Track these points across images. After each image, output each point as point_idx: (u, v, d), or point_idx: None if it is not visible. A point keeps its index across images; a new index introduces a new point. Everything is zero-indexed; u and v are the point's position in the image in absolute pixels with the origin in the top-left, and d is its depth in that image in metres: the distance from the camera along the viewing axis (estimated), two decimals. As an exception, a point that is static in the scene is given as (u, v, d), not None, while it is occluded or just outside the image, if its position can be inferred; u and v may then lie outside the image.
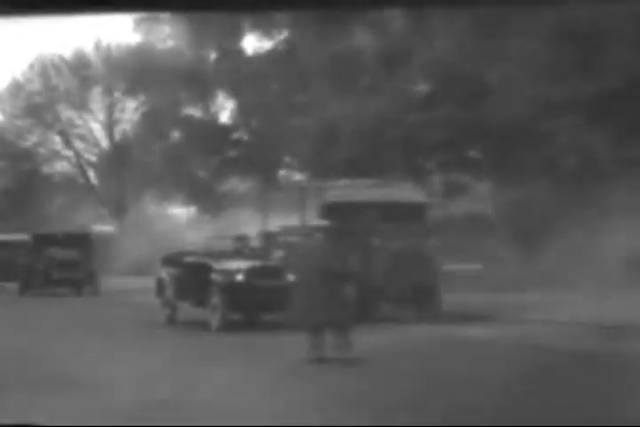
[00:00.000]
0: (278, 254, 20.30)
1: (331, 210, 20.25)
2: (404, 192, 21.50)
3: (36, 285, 31.38)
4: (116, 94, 48.10)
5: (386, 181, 22.65)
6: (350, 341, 13.22)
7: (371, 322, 18.35)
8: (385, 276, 19.95)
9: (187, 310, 19.52)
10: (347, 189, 21.44)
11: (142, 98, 43.17)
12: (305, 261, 13.56)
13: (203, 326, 18.26)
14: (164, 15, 35.84)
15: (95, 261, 32.77)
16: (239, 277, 18.13)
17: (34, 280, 31.51)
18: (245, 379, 11.79)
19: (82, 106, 48.90)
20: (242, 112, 38.10)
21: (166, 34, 38.11)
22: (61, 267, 31.13)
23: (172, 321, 19.64)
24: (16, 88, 49.14)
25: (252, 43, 50.06)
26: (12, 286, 32.70)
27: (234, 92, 37.77)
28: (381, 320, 19.25)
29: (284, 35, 35.70)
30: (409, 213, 20.74)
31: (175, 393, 10.70)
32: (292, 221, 21.49)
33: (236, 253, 19.71)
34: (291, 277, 18.13)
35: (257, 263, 18.93)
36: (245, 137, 39.28)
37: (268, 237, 21.93)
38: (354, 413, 9.55)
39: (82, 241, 33.29)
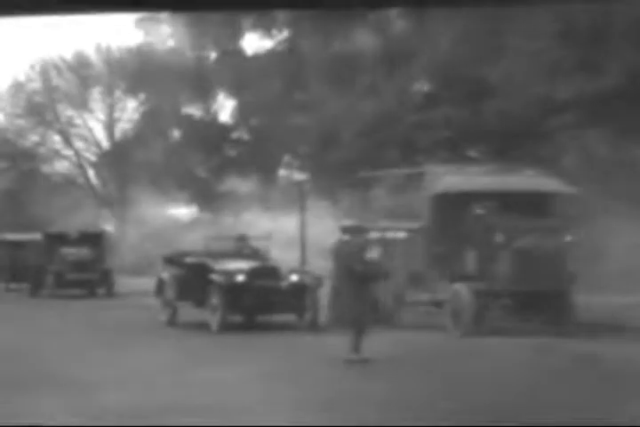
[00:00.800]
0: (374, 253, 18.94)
1: (442, 201, 17.72)
2: (532, 179, 18.39)
3: (49, 286, 30.20)
4: (117, 94, 48.12)
5: (510, 166, 19.39)
6: (361, 344, 13.19)
7: (485, 333, 16.46)
8: (508, 278, 16.95)
9: (187, 310, 19.50)
10: (462, 176, 18.41)
11: (142, 97, 43.18)
12: (338, 263, 13.54)
13: (204, 326, 18.23)
14: (165, 15, 35.85)
15: (109, 261, 31.97)
16: (239, 278, 18.10)
17: (46, 281, 30.31)
18: (246, 379, 11.79)
19: (82, 105, 48.90)
20: (242, 111, 38.11)
21: (166, 33, 38.13)
22: (75, 267, 30.09)
23: (172, 322, 19.60)
24: (17, 88, 49.15)
25: (253, 42, 50.12)
26: (20, 287, 32.16)
27: (234, 91, 37.78)
28: (499, 331, 16.86)
29: (284, 34, 35.71)
30: (539, 205, 17.88)
31: (176, 394, 10.70)
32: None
33: (237, 254, 19.70)
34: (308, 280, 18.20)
35: (257, 264, 18.91)
36: (245, 136, 39.30)
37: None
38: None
39: (95, 240, 32.08)
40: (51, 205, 45.34)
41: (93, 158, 50.05)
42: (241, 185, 40.26)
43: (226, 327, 17.72)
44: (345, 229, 13.63)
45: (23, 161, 49.08)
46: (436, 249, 17.80)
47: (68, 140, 49.69)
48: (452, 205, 17.57)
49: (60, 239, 31.65)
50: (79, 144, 49.82)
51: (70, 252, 30.86)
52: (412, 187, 18.61)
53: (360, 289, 13.18)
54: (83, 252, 30.88)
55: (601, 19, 24.05)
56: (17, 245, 34.05)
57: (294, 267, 20.21)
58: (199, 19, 34.05)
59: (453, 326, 17.03)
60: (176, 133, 40.50)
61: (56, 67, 48.61)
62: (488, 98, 26.49)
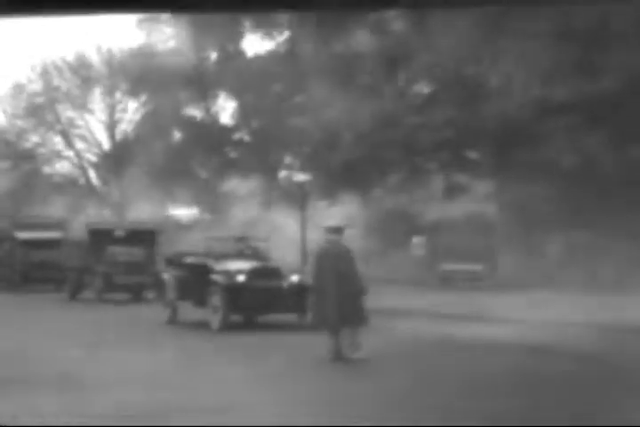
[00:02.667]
0: None
1: None
2: None
3: (96, 289, 26.90)
4: (118, 95, 48.16)
5: None
6: (359, 341, 13.25)
7: None
8: None
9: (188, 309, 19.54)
10: None
11: (143, 98, 43.23)
12: (319, 264, 13.56)
13: (204, 326, 18.27)
14: (166, 16, 35.92)
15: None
16: (240, 278, 18.13)
17: (90, 284, 27.13)
18: (246, 379, 11.82)
19: (83, 106, 48.94)
20: (243, 113, 38.17)
21: (168, 35, 38.21)
22: (126, 269, 26.76)
23: (173, 321, 19.66)
24: (18, 89, 49.20)
25: (253, 44, 50.21)
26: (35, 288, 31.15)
27: (235, 92, 37.84)
28: None
29: (284, 36, 35.77)
30: None
31: (177, 394, 10.74)
32: None
33: (237, 254, 19.73)
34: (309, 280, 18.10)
35: (258, 264, 18.94)
36: (246, 137, 39.35)
37: None
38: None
39: (147, 238, 28.53)
40: (52, 206, 45.42)
41: (94, 159, 50.09)
42: (242, 186, 40.32)
43: (226, 327, 17.76)
44: (330, 230, 13.65)
45: (24, 162, 49.09)
46: None
47: (68, 141, 49.72)
48: None
49: (108, 237, 28.16)
50: (80, 145, 49.88)
51: (120, 251, 27.52)
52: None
53: (345, 289, 13.20)
54: (134, 252, 27.60)
55: (599, 20, 24.09)
56: (39, 243, 31.94)
57: (295, 267, 20.23)
58: (200, 20, 34.10)
59: None
60: (177, 135, 40.55)
61: (57, 68, 48.65)
62: (487, 99, 26.53)
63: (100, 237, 28.23)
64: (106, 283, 26.58)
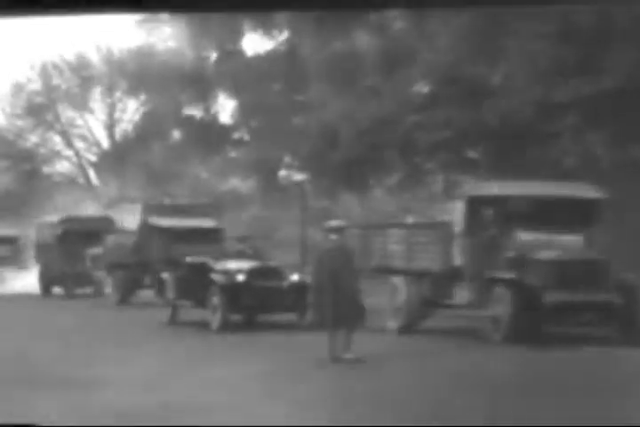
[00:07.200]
0: None
1: None
2: None
3: None
4: (117, 94, 48.17)
5: None
6: (351, 342, 13.26)
7: None
8: None
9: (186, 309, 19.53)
10: None
11: (143, 98, 43.24)
12: (319, 263, 13.56)
13: (204, 326, 18.26)
14: (165, 16, 35.89)
15: None
16: (240, 278, 18.13)
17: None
18: (245, 379, 11.81)
19: (83, 106, 48.97)
20: (242, 112, 38.15)
21: (167, 34, 38.20)
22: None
23: (173, 322, 19.64)
24: (17, 88, 49.21)
25: (253, 43, 50.19)
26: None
27: (234, 92, 37.83)
28: None
29: (284, 35, 35.77)
30: None
31: (176, 394, 10.72)
32: None
33: (238, 254, 19.71)
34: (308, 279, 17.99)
35: (258, 264, 18.93)
36: (246, 137, 39.34)
37: None
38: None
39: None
40: (50, 206, 45.40)
41: (94, 159, 50.10)
42: (242, 186, 40.32)
43: (226, 327, 17.75)
44: (331, 229, 13.66)
45: (23, 161, 49.07)
46: None
47: (68, 141, 49.74)
48: None
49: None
50: (79, 144, 49.90)
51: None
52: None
53: (345, 289, 13.19)
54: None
55: (601, 19, 24.07)
56: (188, 234, 24.61)
57: (295, 266, 20.23)
58: (200, 19, 34.08)
59: None
60: (176, 134, 40.55)
61: (56, 67, 48.68)
62: (488, 99, 26.51)
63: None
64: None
